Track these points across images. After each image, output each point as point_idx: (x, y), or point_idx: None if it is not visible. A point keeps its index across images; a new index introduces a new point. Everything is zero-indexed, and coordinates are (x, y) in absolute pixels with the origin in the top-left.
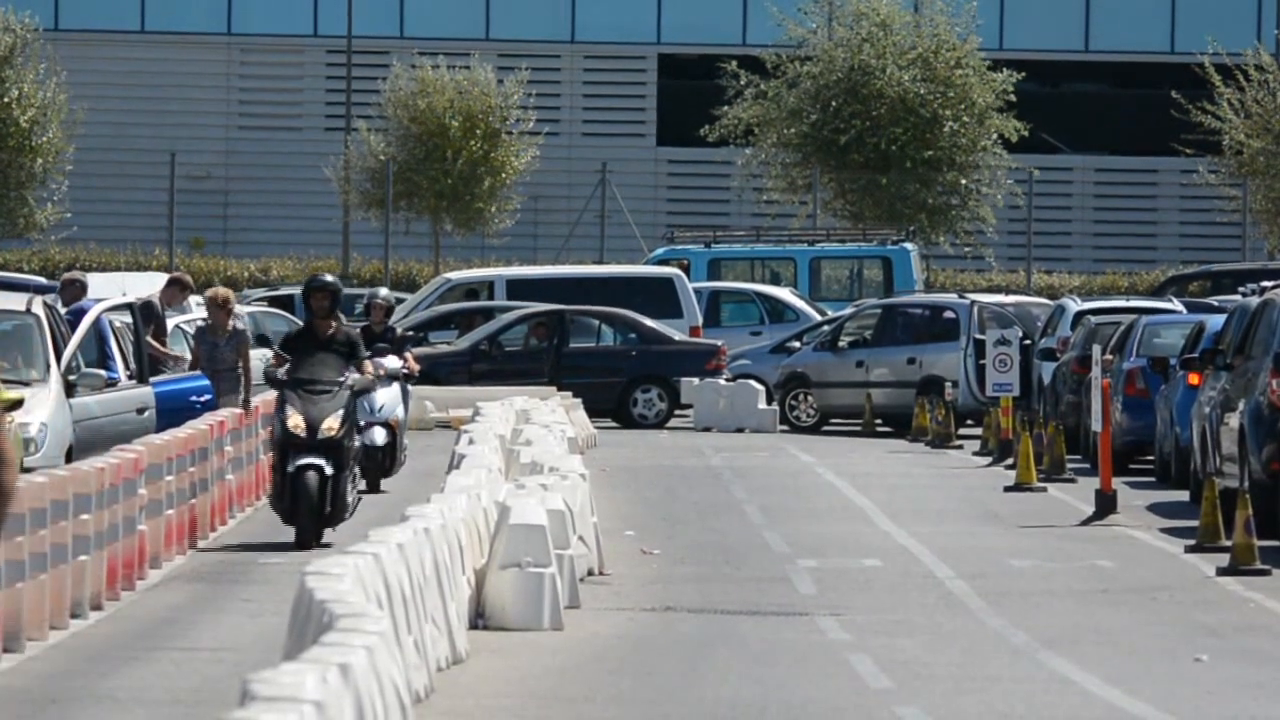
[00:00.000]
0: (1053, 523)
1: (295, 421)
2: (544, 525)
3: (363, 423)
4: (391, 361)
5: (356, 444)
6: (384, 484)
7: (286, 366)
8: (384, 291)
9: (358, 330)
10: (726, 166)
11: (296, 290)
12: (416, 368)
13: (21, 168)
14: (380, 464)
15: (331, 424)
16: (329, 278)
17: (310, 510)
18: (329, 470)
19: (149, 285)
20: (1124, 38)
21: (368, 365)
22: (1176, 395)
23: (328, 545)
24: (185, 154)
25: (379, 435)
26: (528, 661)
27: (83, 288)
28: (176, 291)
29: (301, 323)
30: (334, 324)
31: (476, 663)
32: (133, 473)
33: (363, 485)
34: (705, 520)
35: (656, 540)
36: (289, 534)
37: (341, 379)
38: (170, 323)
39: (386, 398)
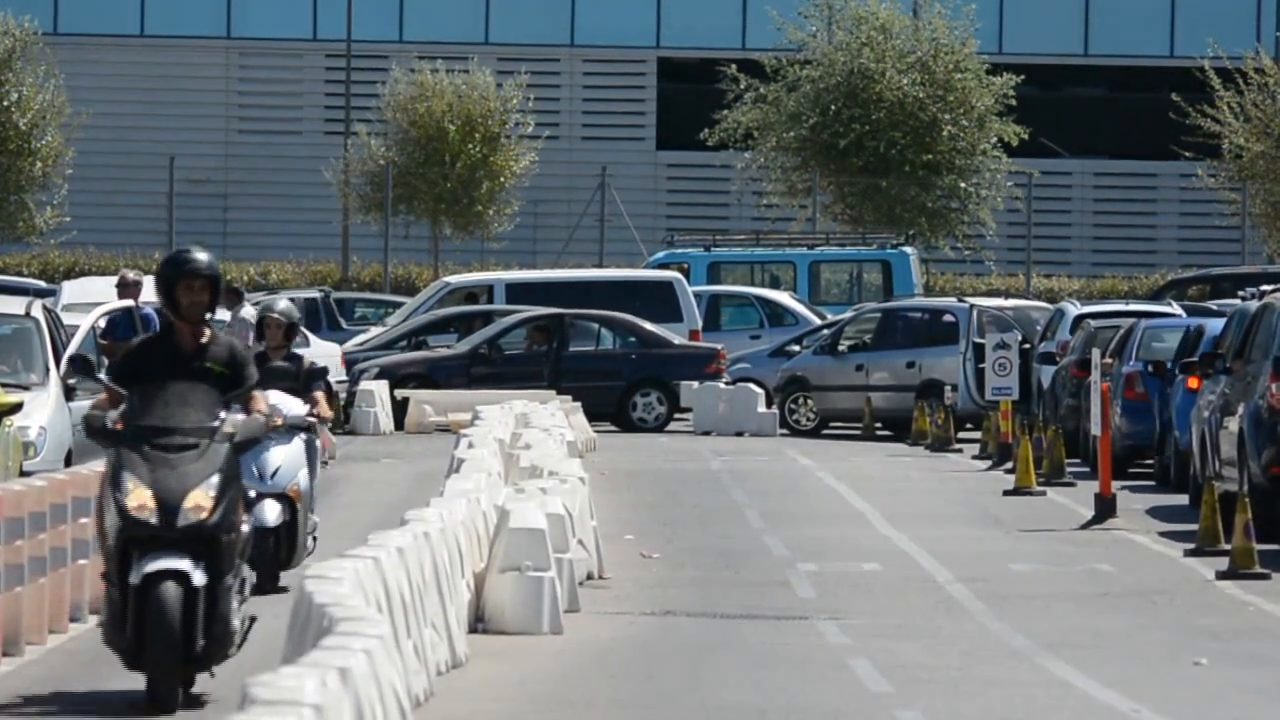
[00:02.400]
0: (1052, 526)
1: (140, 500)
2: (543, 529)
3: (252, 493)
4: (291, 404)
5: (245, 529)
6: (284, 578)
7: (122, 408)
8: (282, 304)
9: (247, 346)
10: (726, 170)
11: (297, 294)
12: (329, 413)
13: (21, 171)
14: (274, 553)
15: (200, 500)
16: (203, 256)
17: (169, 646)
18: (197, 578)
19: (150, 289)
20: (1123, 41)
21: (258, 399)
22: (1176, 399)
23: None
24: (184, 157)
25: (270, 512)
26: (527, 665)
27: (139, 287)
28: None
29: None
30: (207, 333)
31: (476, 666)
32: None
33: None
34: (705, 524)
35: (656, 544)
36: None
37: (214, 423)
38: None
39: (283, 457)
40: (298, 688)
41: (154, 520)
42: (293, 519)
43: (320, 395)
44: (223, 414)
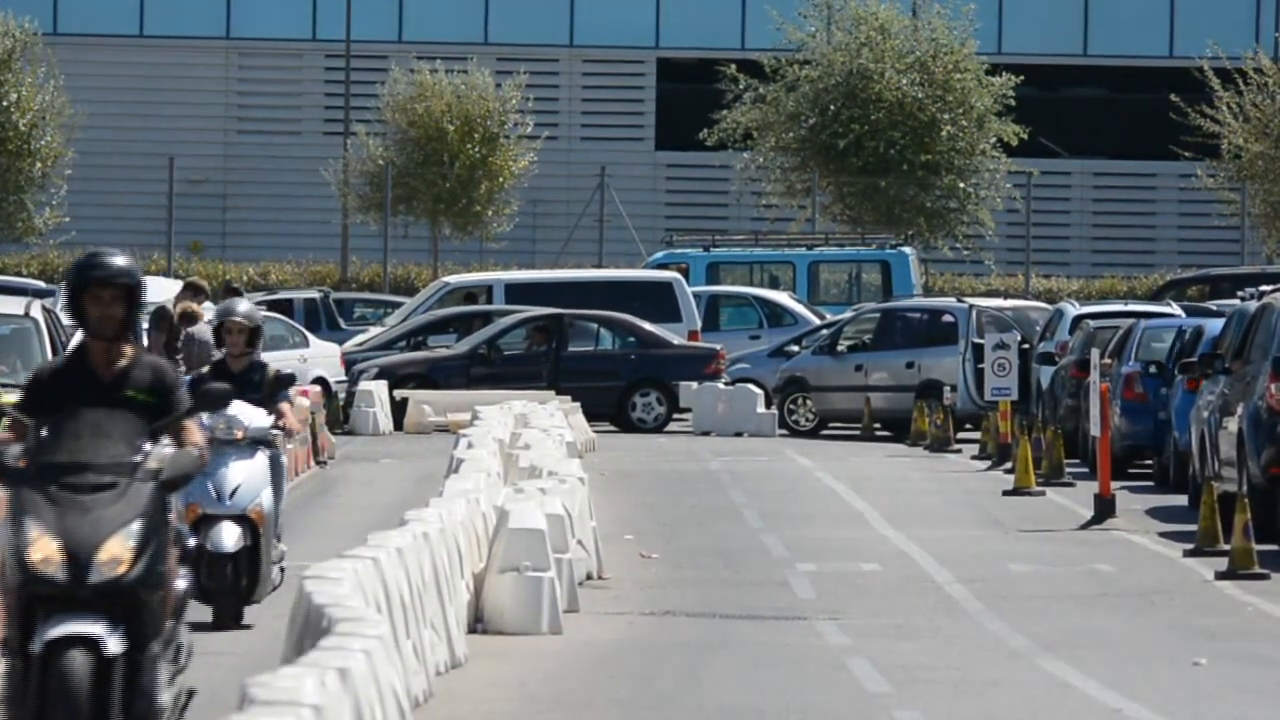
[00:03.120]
0: (1051, 527)
1: (44, 552)
2: (543, 529)
3: (191, 543)
4: (254, 416)
5: (181, 584)
6: (247, 614)
7: (26, 443)
8: (243, 306)
9: (174, 366)
10: (725, 170)
11: (296, 294)
12: (297, 426)
13: (20, 172)
14: (234, 583)
15: (117, 550)
16: (118, 260)
17: None
18: (112, 645)
19: (148, 290)
20: (1122, 42)
21: (191, 429)
22: (1175, 399)
23: None
24: (184, 158)
25: (229, 537)
26: (526, 666)
27: None
28: (190, 296)
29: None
30: (128, 351)
31: (475, 667)
32: None
33: (199, 621)
34: (704, 524)
35: (655, 544)
36: None
37: (135, 458)
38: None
39: (244, 475)
40: (297, 688)
41: (61, 576)
42: (255, 544)
43: (288, 407)
44: (147, 446)
